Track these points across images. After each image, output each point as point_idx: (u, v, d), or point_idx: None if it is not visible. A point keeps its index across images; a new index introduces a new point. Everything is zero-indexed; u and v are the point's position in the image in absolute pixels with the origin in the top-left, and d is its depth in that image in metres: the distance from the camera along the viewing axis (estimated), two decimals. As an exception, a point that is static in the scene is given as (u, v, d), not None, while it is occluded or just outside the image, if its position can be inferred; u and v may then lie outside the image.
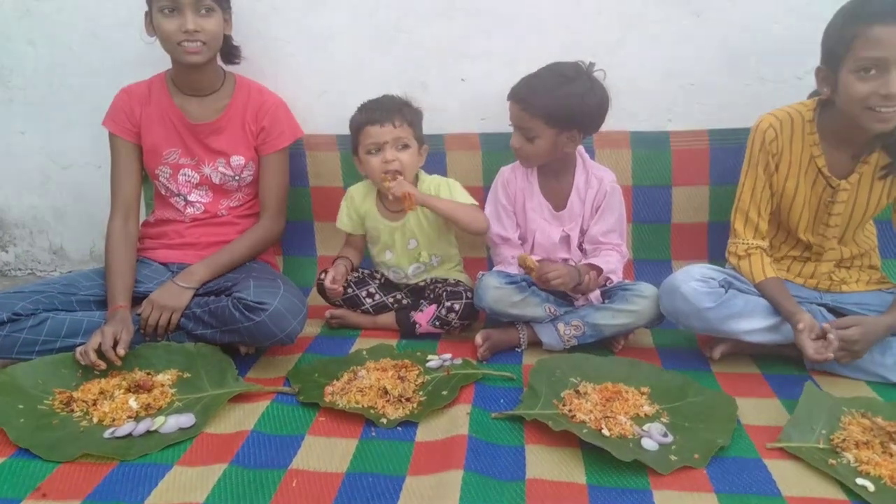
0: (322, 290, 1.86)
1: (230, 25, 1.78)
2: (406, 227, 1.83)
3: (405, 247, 1.85)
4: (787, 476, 1.20)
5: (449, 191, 1.81)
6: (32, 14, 2.11)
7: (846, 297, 1.66)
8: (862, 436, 1.28)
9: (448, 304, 1.74)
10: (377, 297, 1.87)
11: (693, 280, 1.55)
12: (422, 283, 1.89)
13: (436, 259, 1.88)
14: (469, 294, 1.76)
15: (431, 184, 1.83)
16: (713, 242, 2.03)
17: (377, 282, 1.90)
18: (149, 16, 1.69)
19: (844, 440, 1.27)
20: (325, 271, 1.86)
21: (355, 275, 1.87)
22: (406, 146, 1.74)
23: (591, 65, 1.67)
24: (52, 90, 2.19)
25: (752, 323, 1.56)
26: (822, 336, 1.46)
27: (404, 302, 1.89)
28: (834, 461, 1.22)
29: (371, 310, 1.87)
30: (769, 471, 1.21)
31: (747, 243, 1.64)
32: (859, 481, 1.17)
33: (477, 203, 1.81)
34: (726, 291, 1.56)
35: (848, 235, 1.65)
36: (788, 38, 1.91)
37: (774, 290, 1.58)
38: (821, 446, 1.27)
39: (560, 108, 1.60)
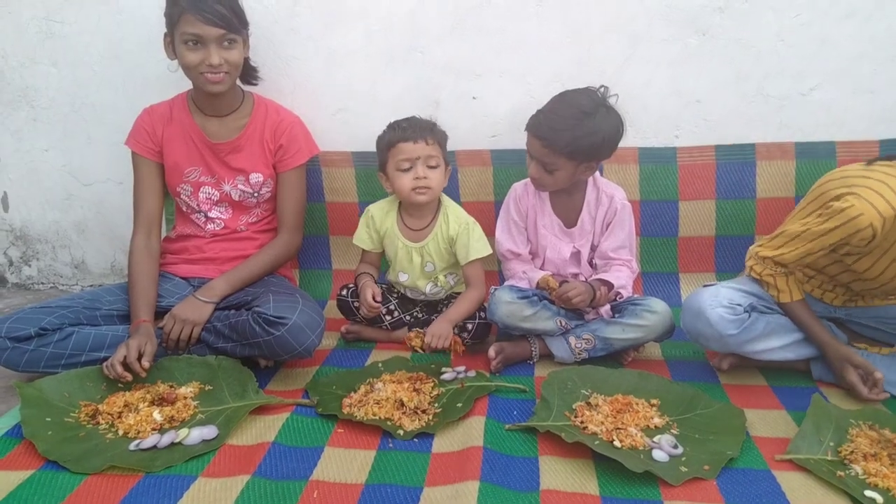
0: (343, 306, 1.90)
1: (248, 47, 1.83)
2: (425, 251, 1.85)
3: (422, 269, 1.86)
4: (796, 487, 1.22)
5: (468, 235, 1.80)
6: (55, 36, 2.18)
7: (861, 311, 1.68)
8: (870, 448, 1.30)
9: (461, 322, 1.77)
10: (396, 314, 1.90)
11: (720, 306, 1.53)
12: (438, 299, 1.93)
13: (452, 278, 1.90)
14: (482, 314, 1.79)
15: (452, 221, 1.83)
16: (720, 255, 2.07)
17: (396, 298, 1.93)
18: (168, 38, 1.74)
19: (852, 452, 1.30)
20: (347, 287, 1.89)
21: (378, 291, 1.86)
22: (436, 165, 1.76)
23: (605, 90, 1.68)
24: (74, 109, 2.25)
25: (769, 343, 1.58)
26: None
27: (419, 316, 1.92)
28: (842, 473, 1.24)
29: (389, 326, 1.91)
30: (778, 482, 1.24)
31: (773, 269, 1.59)
32: (867, 493, 1.19)
33: (491, 250, 1.83)
34: (749, 316, 1.56)
35: None
36: (792, 56, 1.94)
37: (803, 314, 1.58)
38: (829, 458, 1.30)
39: (583, 145, 1.62)
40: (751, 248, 1.65)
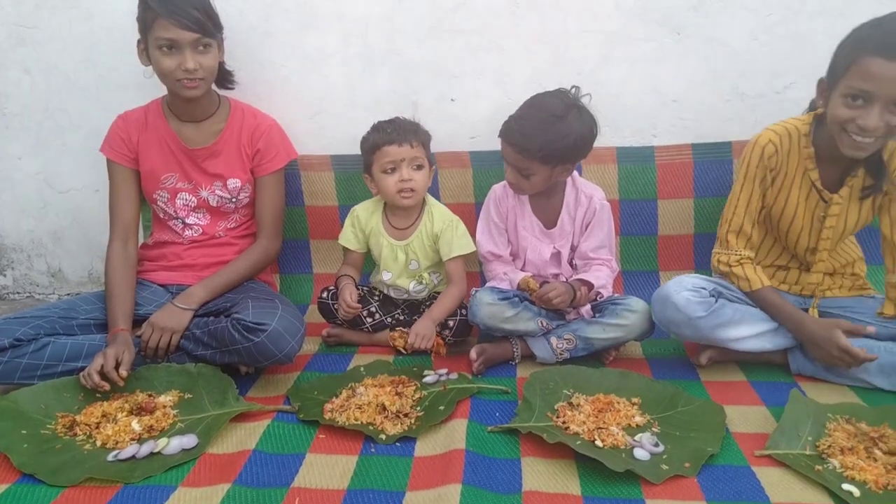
0: (324, 309, 1.89)
1: (223, 52, 1.81)
2: (409, 248, 1.86)
3: (406, 266, 1.87)
4: (776, 483, 1.23)
5: (452, 231, 1.83)
6: (27, 42, 2.15)
7: (829, 301, 1.71)
8: (847, 442, 1.32)
9: (442, 320, 1.78)
10: (377, 316, 1.90)
11: (685, 290, 1.59)
12: (419, 299, 1.93)
13: (436, 277, 1.91)
14: (463, 311, 1.80)
15: (437, 219, 1.85)
16: (699, 253, 2.08)
17: (377, 300, 1.93)
18: (142, 44, 1.72)
19: (830, 446, 1.31)
20: (328, 289, 1.89)
21: (357, 293, 1.86)
22: (420, 166, 1.79)
23: (577, 90, 1.69)
24: (48, 116, 2.21)
25: (740, 330, 1.60)
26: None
27: (401, 318, 1.92)
28: (820, 467, 1.26)
29: (370, 328, 1.90)
30: (758, 478, 1.25)
31: (739, 254, 1.68)
32: (845, 486, 1.20)
33: (474, 248, 1.84)
34: (716, 301, 1.60)
35: (838, 247, 1.70)
36: (766, 54, 1.96)
37: (774, 298, 1.63)
38: (807, 453, 1.31)
39: (555, 149, 1.63)
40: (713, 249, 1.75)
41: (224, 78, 1.90)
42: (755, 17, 1.94)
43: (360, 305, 1.80)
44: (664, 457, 1.30)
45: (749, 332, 1.61)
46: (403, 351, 1.72)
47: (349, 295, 1.77)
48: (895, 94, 1.36)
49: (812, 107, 1.66)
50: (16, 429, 1.42)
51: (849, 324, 1.54)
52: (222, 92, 1.91)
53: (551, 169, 1.68)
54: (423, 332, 1.69)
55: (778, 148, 1.61)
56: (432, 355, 1.70)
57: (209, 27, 1.68)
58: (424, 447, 1.38)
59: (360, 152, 2.05)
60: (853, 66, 1.39)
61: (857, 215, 1.64)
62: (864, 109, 1.39)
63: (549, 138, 1.62)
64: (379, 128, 1.79)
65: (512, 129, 1.67)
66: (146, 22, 1.67)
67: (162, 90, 1.81)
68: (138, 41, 1.73)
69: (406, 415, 1.46)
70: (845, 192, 1.60)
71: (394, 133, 1.75)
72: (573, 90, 1.69)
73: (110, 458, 1.34)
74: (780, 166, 1.62)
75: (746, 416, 1.46)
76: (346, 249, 1.94)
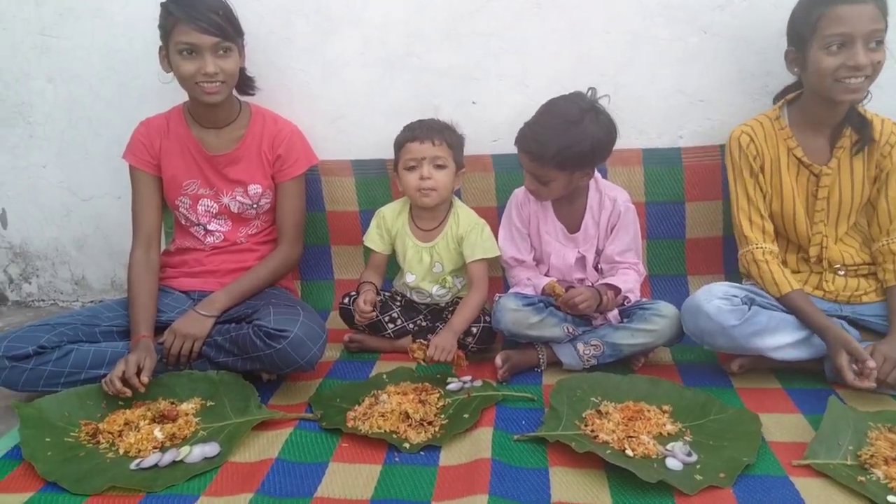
0: (345, 314, 1.87)
1: (244, 57, 1.81)
2: (434, 250, 1.85)
3: (430, 269, 1.85)
4: (816, 494, 1.19)
5: (478, 234, 1.81)
6: (51, 51, 2.17)
7: (865, 308, 1.66)
8: (890, 451, 1.27)
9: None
10: (399, 322, 1.88)
11: (716, 298, 1.55)
12: (443, 304, 1.90)
13: (459, 281, 1.89)
14: (487, 318, 1.77)
15: (462, 221, 1.84)
16: (728, 256, 2.03)
17: (399, 306, 1.91)
18: (163, 51, 1.73)
19: (872, 456, 1.26)
20: (349, 294, 1.87)
21: (378, 299, 1.85)
22: (443, 166, 1.77)
23: (593, 92, 1.66)
24: (71, 124, 2.23)
25: (778, 339, 1.55)
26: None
27: (423, 324, 1.89)
28: (863, 478, 1.21)
29: (392, 335, 1.88)
30: (797, 489, 1.20)
31: (762, 247, 1.66)
32: (891, 499, 1.15)
33: (499, 252, 1.82)
34: (749, 308, 1.55)
35: (841, 228, 1.68)
36: (796, 52, 1.92)
37: (801, 303, 1.58)
38: (848, 463, 1.26)
39: (571, 155, 1.59)
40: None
41: (245, 84, 1.90)
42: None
43: (373, 311, 1.77)
44: (698, 466, 1.26)
45: (786, 340, 1.56)
46: (423, 363, 1.68)
47: (363, 300, 1.75)
48: (868, 30, 1.49)
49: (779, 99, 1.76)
50: (40, 436, 1.42)
51: (857, 347, 1.47)
52: (243, 98, 1.91)
53: (570, 175, 1.65)
54: (442, 344, 1.64)
55: (752, 136, 1.68)
56: (453, 368, 1.66)
57: (229, 31, 1.68)
58: (449, 456, 1.35)
59: (380, 157, 2.04)
60: (822, 19, 1.52)
61: (851, 187, 1.64)
62: (848, 52, 1.50)
63: (564, 144, 1.58)
64: (408, 126, 1.82)
65: (526, 137, 1.65)
66: (167, 28, 1.67)
67: (183, 97, 1.82)
68: (160, 48, 1.73)
69: (430, 423, 1.44)
70: (834, 164, 1.64)
71: (417, 131, 1.77)
72: (590, 92, 1.66)
73: (133, 466, 1.33)
74: (760, 152, 1.68)
75: (783, 425, 1.42)
76: (370, 252, 1.92)
